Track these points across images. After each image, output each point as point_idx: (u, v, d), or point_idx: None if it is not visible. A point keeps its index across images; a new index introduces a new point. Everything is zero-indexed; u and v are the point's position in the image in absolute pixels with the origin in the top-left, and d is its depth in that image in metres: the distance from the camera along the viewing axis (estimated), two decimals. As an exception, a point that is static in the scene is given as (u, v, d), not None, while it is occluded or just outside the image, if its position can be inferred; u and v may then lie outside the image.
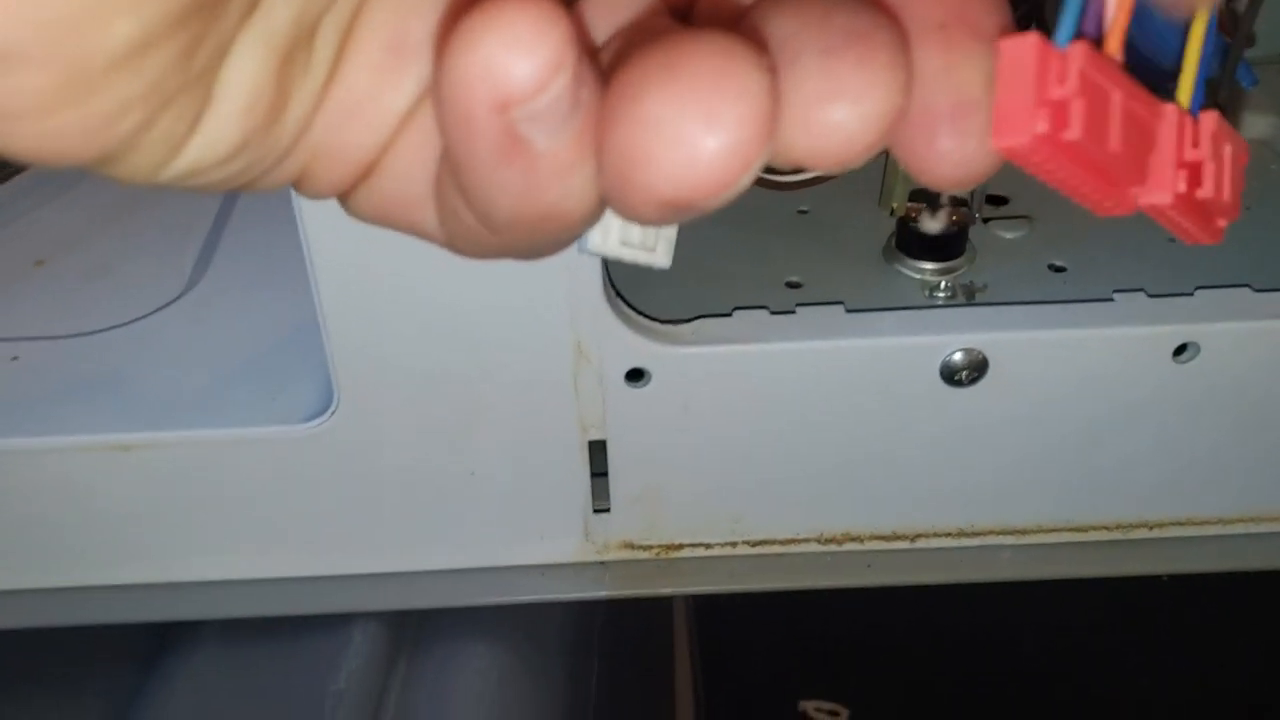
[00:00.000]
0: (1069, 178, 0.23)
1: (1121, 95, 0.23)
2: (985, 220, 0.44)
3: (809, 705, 0.68)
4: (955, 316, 0.38)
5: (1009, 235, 0.43)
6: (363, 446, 0.38)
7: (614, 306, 0.36)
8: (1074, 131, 0.22)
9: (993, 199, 0.45)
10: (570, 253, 0.34)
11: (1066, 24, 0.23)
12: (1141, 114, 0.23)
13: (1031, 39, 0.22)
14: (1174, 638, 0.47)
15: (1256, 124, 0.48)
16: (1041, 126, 0.21)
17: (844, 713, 0.67)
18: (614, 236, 0.30)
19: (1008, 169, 0.49)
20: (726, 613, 0.53)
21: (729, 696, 0.56)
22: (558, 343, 0.36)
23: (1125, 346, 0.37)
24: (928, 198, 0.41)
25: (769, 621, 0.59)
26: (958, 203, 0.41)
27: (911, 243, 0.41)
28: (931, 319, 0.37)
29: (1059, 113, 0.21)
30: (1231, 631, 0.49)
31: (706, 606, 0.54)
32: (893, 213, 0.41)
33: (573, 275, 0.35)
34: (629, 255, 0.31)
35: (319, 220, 0.33)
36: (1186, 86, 0.26)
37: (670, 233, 0.31)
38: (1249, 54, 0.49)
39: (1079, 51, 0.22)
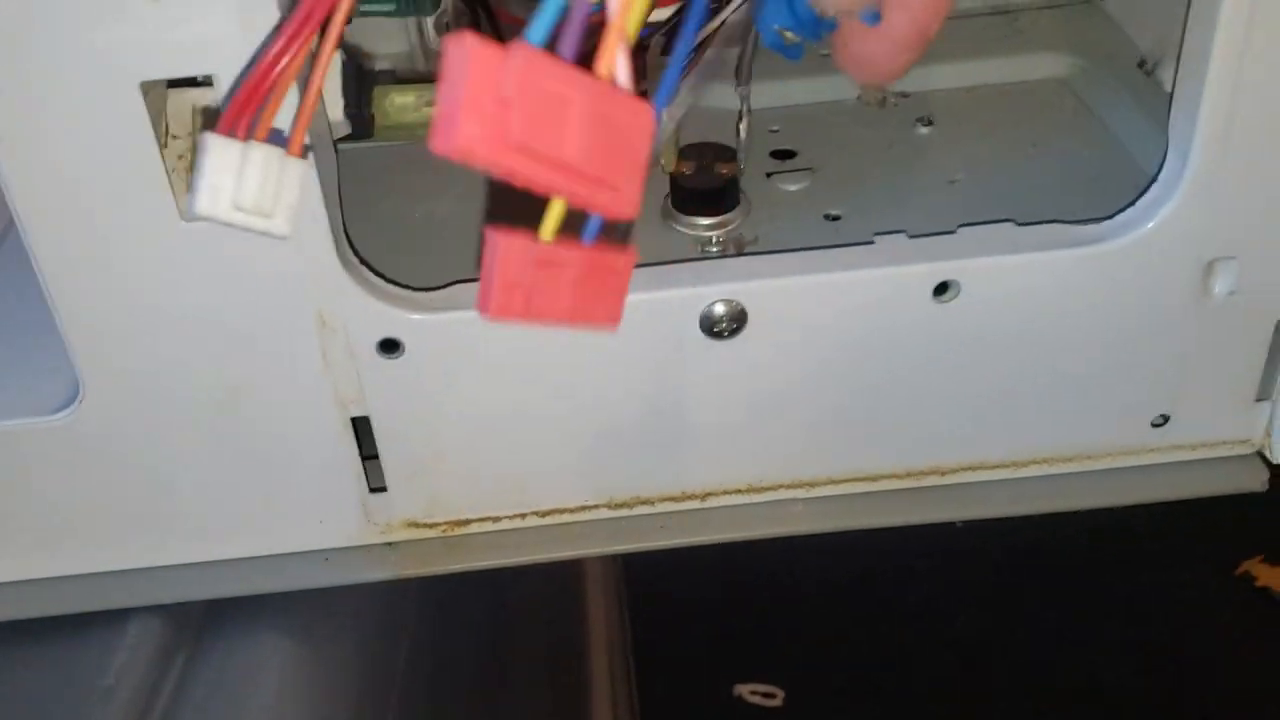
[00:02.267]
0: (538, 179, 0.22)
1: (586, 97, 0.22)
2: (769, 174, 0.43)
3: (744, 689, 0.67)
4: (713, 269, 0.37)
5: (791, 187, 0.42)
6: (115, 436, 0.37)
7: (353, 272, 0.35)
8: (515, 132, 0.21)
9: (779, 153, 0.44)
10: (299, 218, 0.33)
11: (539, 26, 0.22)
12: (620, 114, 0.23)
13: (469, 39, 0.21)
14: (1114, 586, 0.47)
15: (1053, 63, 0.47)
16: (474, 127, 0.20)
17: (779, 694, 0.66)
18: (224, 200, 0.29)
19: (793, 124, 0.48)
20: (658, 597, 0.52)
21: (662, 681, 0.55)
22: (297, 315, 0.35)
23: (884, 288, 0.36)
24: (698, 153, 0.41)
25: (702, 606, 0.58)
26: (726, 157, 0.40)
27: (684, 199, 0.40)
28: (689, 273, 0.37)
29: (500, 113, 0.21)
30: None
31: (635, 591, 0.54)
32: (663, 170, 0.41)
33: (301, 240, 0.33)
34: (242, 220, 0.30)
35: (37, 211, 0.33)
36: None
37: (290, 199, 0.30)
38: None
39: (522, 53, 0.21)
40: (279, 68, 0.29)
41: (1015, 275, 0.36)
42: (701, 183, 0.40)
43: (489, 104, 0.21)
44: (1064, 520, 0.41)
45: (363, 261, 0.36)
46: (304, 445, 0.38)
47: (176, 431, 0.37)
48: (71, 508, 0.38)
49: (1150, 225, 0.36)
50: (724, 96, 0.42)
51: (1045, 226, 0.37)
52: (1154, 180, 0.36)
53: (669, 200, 0.41)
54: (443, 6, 0.41)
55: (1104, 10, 0.49)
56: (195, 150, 0.30)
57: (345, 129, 0.37)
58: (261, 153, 0.29)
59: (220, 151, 0.29)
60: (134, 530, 0.39)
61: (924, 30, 0.29)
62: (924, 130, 0.45)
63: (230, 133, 0.29)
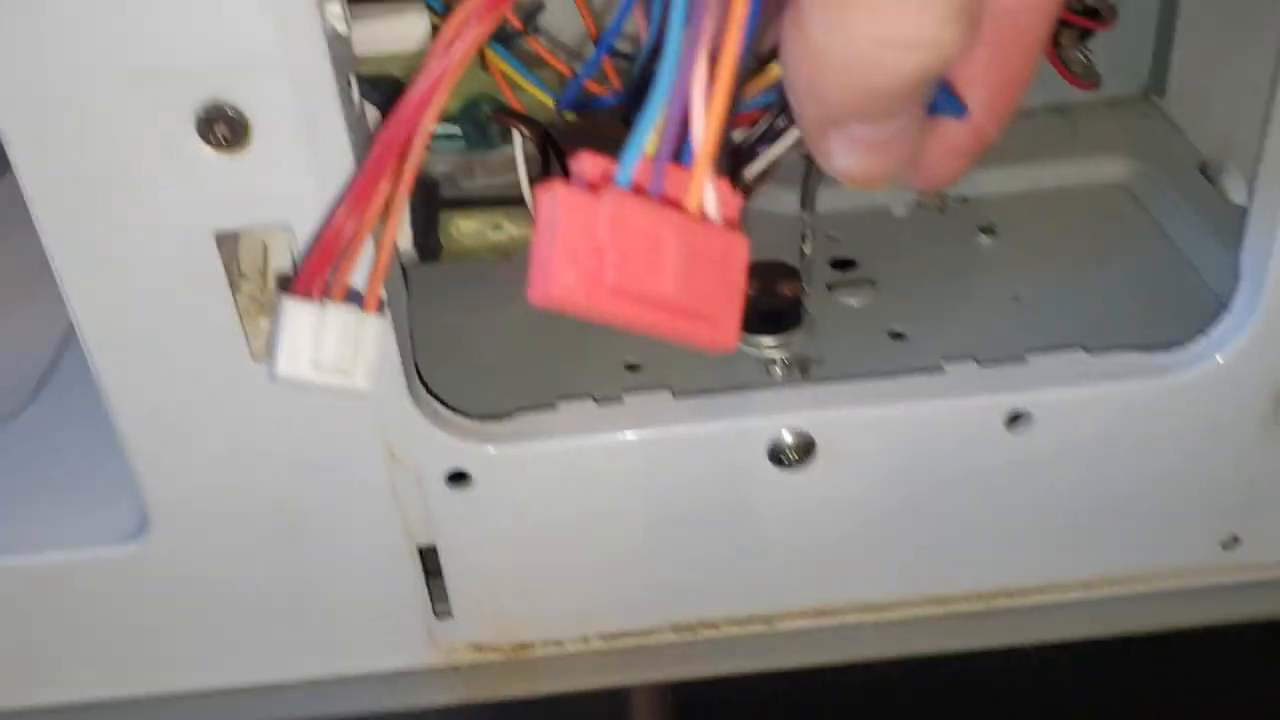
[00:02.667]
0: (638, 321, 0.22)
1: (679, 234, 0.22)
2: (829, 286, 0.43)
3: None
4: (780, 397, 0.37)
5: (853, 302, 0.42)
6: (183, 565, 0.37)
7: (422, 406, 0.35)
8: (611, 275, 0.21)
9: (839, 263, 0.44)
10: (378, 372, 0.33)
11: (626, 163, 0.22)
12: (713, 245, 0.22)
13: (558, 187, 0.21)
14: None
15: (1113, 167, 0.47)
16: (570, 275, 0.20)
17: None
18: (304, 362, 0.29)
19: (852, 231, 0.48)
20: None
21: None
22: (367, 448, 0.35)
23: (955, 419, 0.36)
24: (761, 272, 0.40)
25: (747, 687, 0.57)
26: (789, 274, 0.40)
27: (748, 319, 0.40)
28: (756, 401, 0.37)
29: (593, 259, 0.20)
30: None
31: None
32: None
33: (372, 376, 0.33)
34: (322, 379, 0.30)
35: (105, 343, 0.33)
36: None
37: (369, 355, 0.30)
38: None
39: (612, 197, 0.21)
40: (350, 227, 0.29)
41: (1087, 406, 0.36)
42: (765, 302, 0.40)
43: (583, 250, 0.21)
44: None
45: (431, 393, 0.36)
46: (370, 573, 0.37)
47: (242, 559, 0.37)
48: (136, 632, 0.38)
49: (1222, 357, 0.36)
50: (780, 202, 0.42)
51: (1116, 356, 0.37)
52: (1225, 308, 0.36)
53: (732, 318, 0.41)
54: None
55: (1162, 110, 0.49)
56: (273, 311, 0.30)
57: (413, 256, 0.37)
58: (339, 313, 0.29)
59: (297, 315, 0.29)
60: (196, 653, 0.39)
61: (983, 137, 0.27)
62: (986, 240, 0.45)
63: (306, 294, 0.29)
